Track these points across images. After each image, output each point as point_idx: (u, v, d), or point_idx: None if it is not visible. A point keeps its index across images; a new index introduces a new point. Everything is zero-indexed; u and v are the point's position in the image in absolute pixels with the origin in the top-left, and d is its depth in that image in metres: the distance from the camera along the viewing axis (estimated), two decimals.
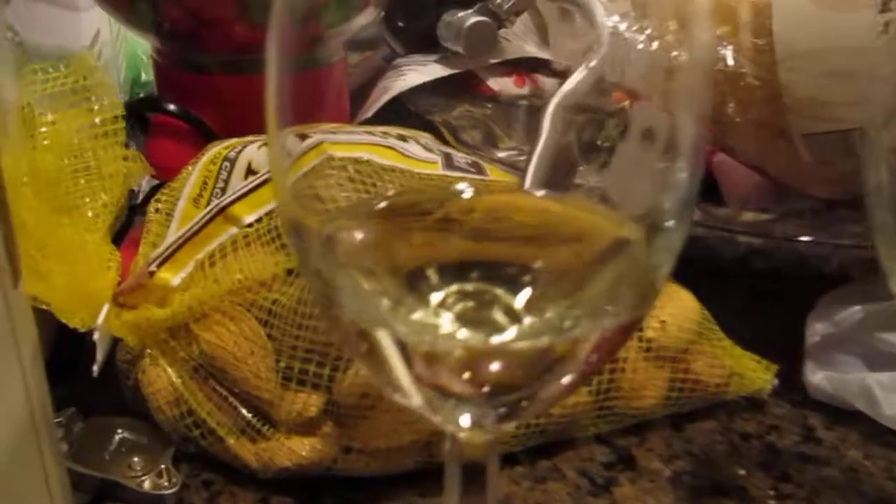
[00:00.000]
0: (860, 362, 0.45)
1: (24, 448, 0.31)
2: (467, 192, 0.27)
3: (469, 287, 0.25)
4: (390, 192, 0.27)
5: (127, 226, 0.48)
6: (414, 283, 0.25)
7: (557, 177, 0.26)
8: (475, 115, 0.54)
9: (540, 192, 0.27)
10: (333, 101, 0.42)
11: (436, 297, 0.25)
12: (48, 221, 0.39)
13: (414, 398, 0.23)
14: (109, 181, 0.39)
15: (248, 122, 0.46)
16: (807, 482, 0.43)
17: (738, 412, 0.47)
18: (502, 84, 0.54)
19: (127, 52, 0.79)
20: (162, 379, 0.41)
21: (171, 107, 0.48)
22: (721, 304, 0.46)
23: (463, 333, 0.23)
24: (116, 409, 0.44)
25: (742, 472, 0.43)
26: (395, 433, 0.40)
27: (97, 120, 0.38)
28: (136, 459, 0.42)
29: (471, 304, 0.25)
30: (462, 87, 0.54)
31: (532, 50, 0.56)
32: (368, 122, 0.52)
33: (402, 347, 0.22)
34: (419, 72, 0.50)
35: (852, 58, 0.39)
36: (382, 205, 0.26)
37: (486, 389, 0.23)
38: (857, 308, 0.46)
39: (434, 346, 0.21)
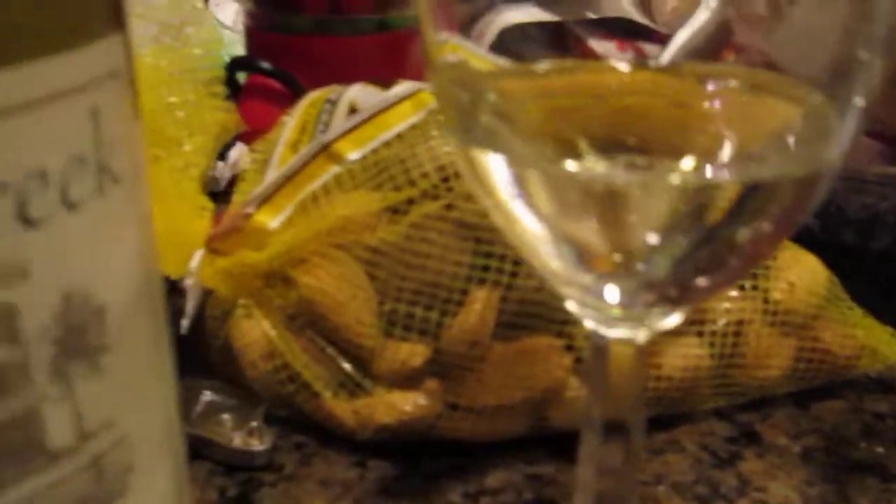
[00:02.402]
0: None
1: None
2: (623, 67, 0.24)
3: (622, 162, 0.23)
4: (546, 64, 0.24)
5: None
6: (562, 152, 0.22)
7: (707, 52, 0.24)
8: None
9: (694, 66, 0.24)
10: None
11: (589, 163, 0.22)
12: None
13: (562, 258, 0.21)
14: (206, 121, 0.37)
15: (340, 83, 0.44)
16: None
17: (868, 391, 0.43)
18: (605, 47, 0.52)
19: None
20: (255, 331, 0.39)
21: (266, 65, 0.47)
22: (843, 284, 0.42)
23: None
24: (203, 374, 0.42)
25: (880, 449, 0.40)
26: (505, 389, 0.37)
27: (196, 52, 0.37)
28: (225, 417, 0.39)
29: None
30: (566, 46, 0.52)
31: (630, 9, 0.53)
32: None
33: (556, 185, 0.19)
34: (518, 11, 0.48)
35: None
36: (538, 72, 0.24)
37: (648, 249, 0.20)
38: None
39: (607, 179, 0.19)
